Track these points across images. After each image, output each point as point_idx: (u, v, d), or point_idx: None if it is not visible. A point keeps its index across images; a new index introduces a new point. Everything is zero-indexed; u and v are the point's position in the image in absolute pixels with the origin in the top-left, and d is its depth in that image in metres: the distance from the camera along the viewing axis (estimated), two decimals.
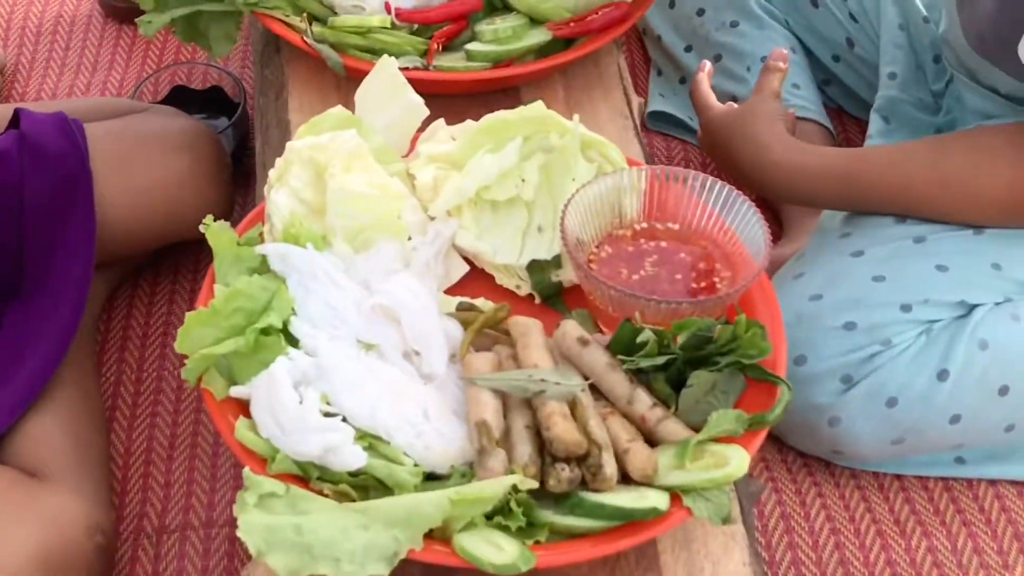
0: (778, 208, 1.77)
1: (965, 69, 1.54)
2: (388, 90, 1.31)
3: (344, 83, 1.47)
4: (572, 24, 1.49)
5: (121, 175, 1.53)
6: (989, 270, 1.40)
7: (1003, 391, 1.39)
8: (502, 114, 1.28)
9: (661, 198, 1.24)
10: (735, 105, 1.52)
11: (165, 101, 1.86)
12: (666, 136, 1.92)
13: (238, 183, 1.73)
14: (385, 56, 1.31)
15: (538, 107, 1.27)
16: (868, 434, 1.40)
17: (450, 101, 1.46)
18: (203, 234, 1.18)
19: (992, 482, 1.51)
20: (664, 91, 1.94)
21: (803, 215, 1.71)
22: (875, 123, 1.70)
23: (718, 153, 1.49)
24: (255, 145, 1.59)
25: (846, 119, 1.95)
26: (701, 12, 1.87)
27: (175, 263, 1.70)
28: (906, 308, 1.39)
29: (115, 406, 1.55)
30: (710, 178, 1.23)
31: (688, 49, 1.90)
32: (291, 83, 1.52)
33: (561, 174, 1.26)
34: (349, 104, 1.31)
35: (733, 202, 1.22)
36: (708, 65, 1.59)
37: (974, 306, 1.40)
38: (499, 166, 1.26)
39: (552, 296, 1.26)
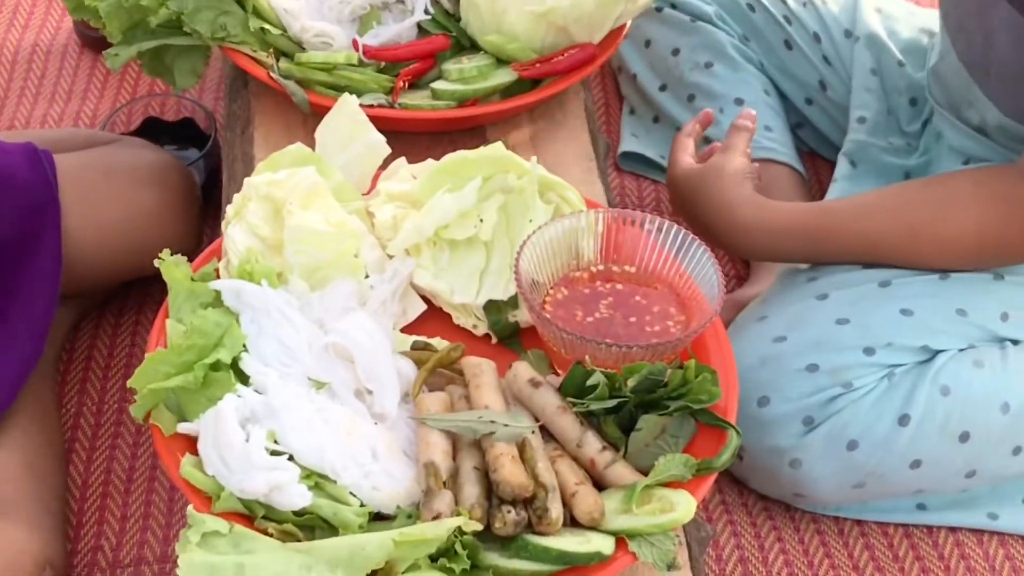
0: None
1: (951, 106, 1.55)
2: (349, 128, 1.31)
3: (310, 119, 1.47)
4: (538, 65, 1.49)
5: (89, 208, 1.53)
6: (954, 316, 1.40)
7: (964, 438, 1.39)
8: (462, 154, 1.28)
9: (618, 241, 1.25)
10: (700, 164, 1.52)
11: (137, 132, 1.87)
12: (638, 176, 1.92)
13: (208, 216, 1.73)
14: (346, 94, 1.32)
15: (497, 147, 1.28)
16: (829, 477, 1.40)
17: (415, 139, 1.47)
18: None
19: (952, 529, 1.51)
20: (636, 130, 1.95)
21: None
22: (842, 167, 1.71)
23: (685, 209, 1.49)
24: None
25: (818, 163, 1.95)
26: (676, 52, 1.88)
27: (141, 295, 1.69)
28: (869, 351, 1.39)
29: (74, 437, 1.54)
30: (667, 221, 1.23)
31: (663, 88, 1.90)
32: (257, 118, 1.53)
33: (519, 215, 1.27)
34: (314, 141, 1.31)
35: (689, 246, 1.22)
36: (708, 116, 1.57)
37: (937, 352, 1.40)
38: (458, 206, 1.26)
39: (509, 336, 1.26)
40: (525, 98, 1.48)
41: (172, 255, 1.19)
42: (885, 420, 1.37)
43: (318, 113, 1.39)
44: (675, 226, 1.23)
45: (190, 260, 1.24)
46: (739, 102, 1.81)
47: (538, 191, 1.27)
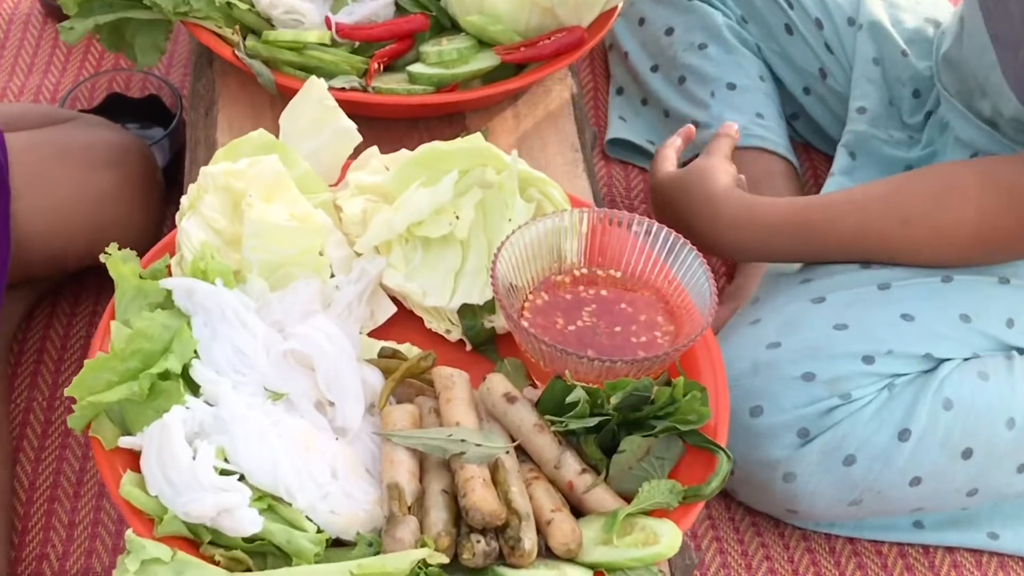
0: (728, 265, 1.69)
1: (962, 95, 1.48)
2: (317, 113, 1.22)
3: (278, 102, 1.37)
4: (523, 49, 1.40)
5: (40, 190, 1.44)
6: (957, 321, 1.33)
7: (967, 454, 1.32)
8: (437, 145, 1.19)
9: (603, 243, 1.16)
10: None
11: (99, 108, 1.77)
12: (625, 165, 1.84)
13: (171, 200, 1.63)
14: (313, 77, 1.22)
15: (476, 139, 1.19)
16: (824, 493, 1.33)
17: (389, 126, 1.38)
18: None
19: (950, 549, 1.43)
20: (625, 113, 1.87)
21: (753, 270, 1.63)
22: (840, 159, 1.64)
23: (668, 214, 1.42)
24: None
25: (814, 155, 1.88)
26: (670, 32, 1.80)
27: (99, 283, 1.59)
28: (868, 360, 1.31)
29: (23, 435, 1.45)
30: (656, 223, 1.14)
31: (654, 69, 1.83)
32: (221, 99, 1.43)
33: (498, 213, 1.18)
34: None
35: (679, 251, 1.13)
36: (690, 131, 1.53)
37: (940, 360, 1.33)
38: (432, 201, 1.17)
39: (484, 343, 1.18)
40: (508, 84, 1.39)
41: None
42: (884, 434, 1.30)
43: (286, 96, 1.29)
44: (664, 229, 1.14)
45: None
46: (731, 87, 1.74)
47: (519, 187, 1.18)
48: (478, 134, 1.19)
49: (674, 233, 1.14)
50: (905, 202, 1.32)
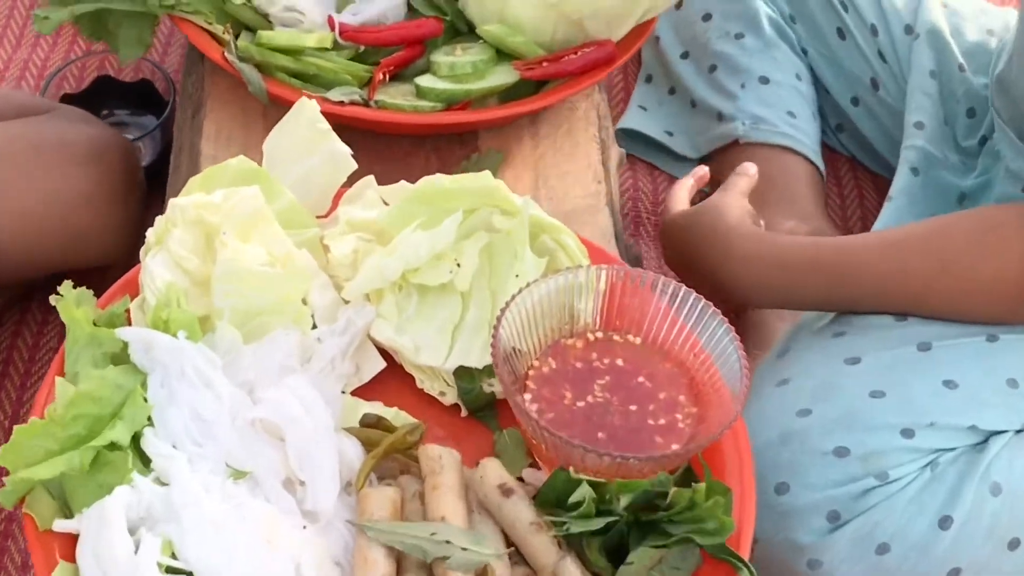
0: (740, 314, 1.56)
1: (1014, 121, 1.36)
2: (307, 136, 1.08)
3: (271, 110, 1.24)
4: (545, 64, 1.25)
5: (11, 189, 1.31)
6: (1004, 387, 1.20)
7: (1013, 544, 1.19)
8: (440, 180, 1.05)
9: (622, 304, 1.02)
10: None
11: (87, 92, 1.64)
12: (654, 173, 1.70)
13: (157, 200, 1.50)
14: (303, 99, 1.08)
15: (484, 177, 1.05)
16: None
17: (392, 142, 1.25)
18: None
19: None
20: (647, 102, 1.75)
21: (772, 322, 1.49)
22: (900, 179, 1.50)
23: (678, 252, 1.31)
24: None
25: (859, 171, 1.74)
26: (708, 17, 1.68)
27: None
28: (908, 433, 1.18)
29: None
30: (683, 287, 1.01)
31: (684, 56, 1.71)
32: (210, 102, 1.29)
33: (504, 262, 1.04)
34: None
35: (708, 321, 0.99)
36: (704, 174, 1.41)
37: (987, 432, 1.20)
38: (432, 245, 1.03)
39: (482, 409, 1.04)
40: (526, 104, 1.25)
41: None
42: (923, 521, 1.17)
43: (281, 105, 1.16)
44: (692, 294, 1.00)
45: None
46: (764, 80, 1.62)
47: (530, 234, 1.04)
48: (486, 172, 1.05)
49: (703, 300, 1.00)
50: (944, 247, 1.20)
